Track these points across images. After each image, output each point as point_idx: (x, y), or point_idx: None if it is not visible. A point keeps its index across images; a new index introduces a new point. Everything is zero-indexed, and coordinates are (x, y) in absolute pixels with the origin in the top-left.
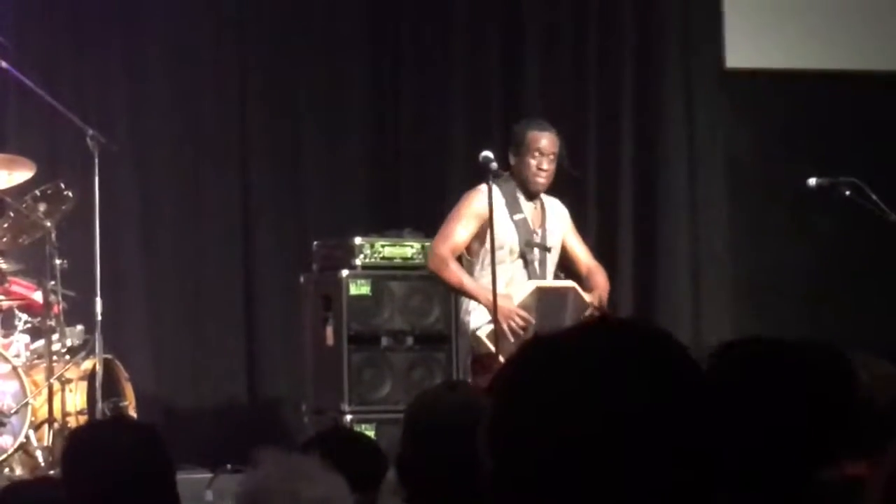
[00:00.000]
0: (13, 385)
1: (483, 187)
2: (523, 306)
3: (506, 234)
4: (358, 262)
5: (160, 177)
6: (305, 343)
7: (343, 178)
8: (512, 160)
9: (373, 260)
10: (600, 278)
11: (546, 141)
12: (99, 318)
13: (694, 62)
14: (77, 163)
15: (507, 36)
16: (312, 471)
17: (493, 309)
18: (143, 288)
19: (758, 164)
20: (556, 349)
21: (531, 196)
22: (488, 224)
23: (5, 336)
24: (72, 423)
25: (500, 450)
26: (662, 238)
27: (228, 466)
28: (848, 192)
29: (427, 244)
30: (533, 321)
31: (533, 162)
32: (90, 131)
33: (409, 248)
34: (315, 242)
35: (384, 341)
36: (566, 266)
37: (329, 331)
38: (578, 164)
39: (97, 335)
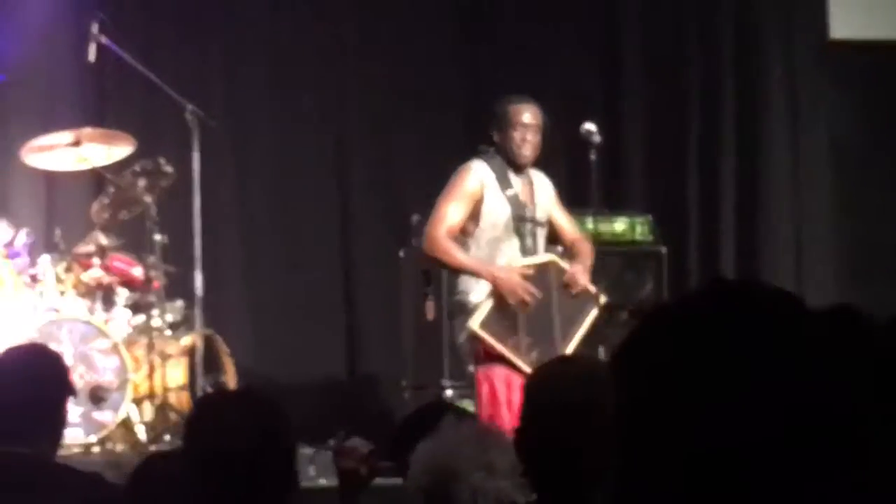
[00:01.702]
0: (114, 361)
1: (471, 165)
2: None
3: (499, 211)
4: None
5: (258, 151)
6: (405, 318)
7: (441, 151)
8: (495, 136)
9: None
10: (584, 247)
11: (528, 113)
12: (199, 293)
13: (797, 33)
14: (176, 138)
15: (608, 5)
16: (501, 440)
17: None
18: (242, 263)
19: (861, 137)
20: (679, 318)
21: (519, 170)
22: (481, 202)
23: (106, 311)
24: (172, 398)
25: (630, 427)
26: (764, 211)
27: (330, 442)
28: None
29: None
30: (538, 294)
31: (516, 135)
32: (189, 106)
33: None
34: (414, 216)
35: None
36: (552, 238)
37: (429, 305)
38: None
39: (197, 310)
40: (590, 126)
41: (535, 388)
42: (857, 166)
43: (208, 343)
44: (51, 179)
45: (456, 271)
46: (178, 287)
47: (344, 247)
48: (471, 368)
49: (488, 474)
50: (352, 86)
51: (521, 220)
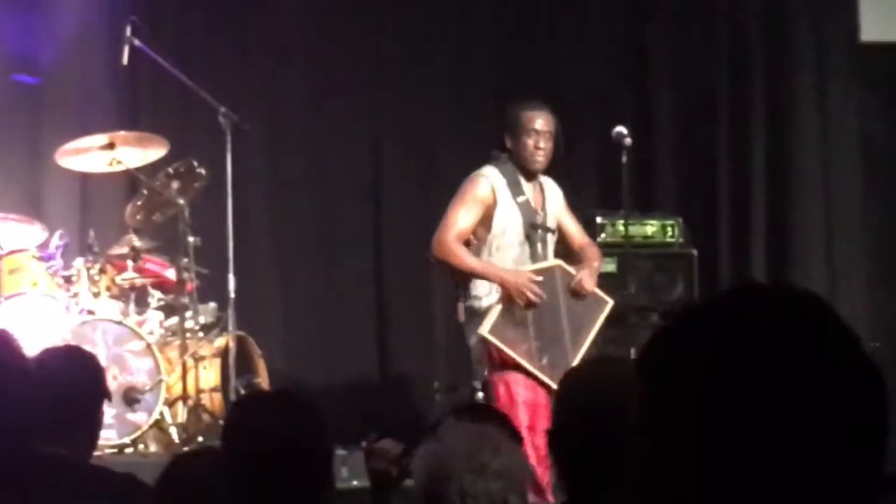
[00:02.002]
0: (147, 362)
1: (483, 171)
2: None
3: (511, 217)
4: None
5: (291, 154)
6: (436, 319)
7: (475, 153)
8: (508, 142)
9: None
10: (592, 252)
11: (542, 120)
12: (232, 295)
13: (827, 36)
14: (209, 140)
15: (638, 7)
16: (496, 440)
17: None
18: (274, 265)
19: (891, 139)
20: (706, 320)
21: (530, 176)
22: (493, 209)
23: (139, 313)
24: (205, 399)
25: (655, 428)
26: (795, 212)
27: (363, 444)
28: None
29: None
30: (543, 295)
31: (530, 141)
32: (222, 109)
33: None
34: None
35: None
36: (561, 244)
37: (460, 307)
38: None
39: (230, 312)
40: (621, 129)
41: (569, 389)
42: (888, 168)
43: (241, 345)
44: (85, 182)
45: (464, 274)
46: (210, 289)
47: (376, 248)
48: (485, 373)
49: (479, 476)
50: (386, 87)
51: (531, 227)
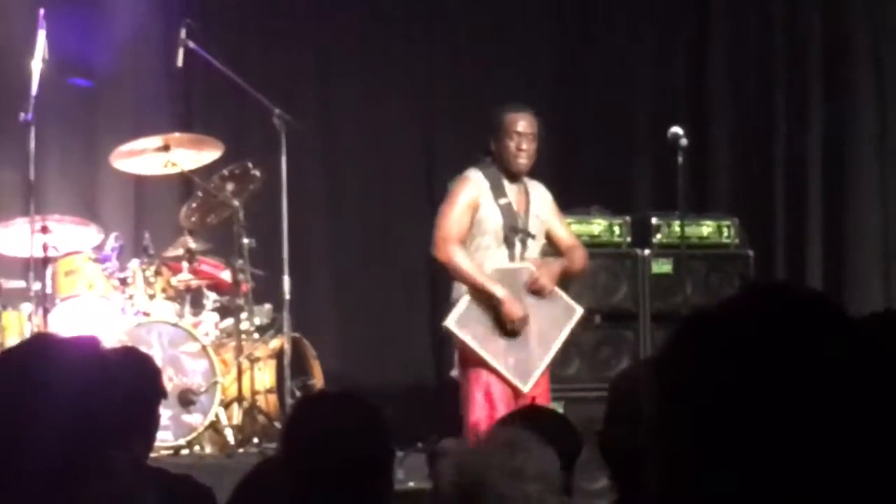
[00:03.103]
0: (202, 364)
1: (467, 174)
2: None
3: (491, 219)
4: None
5: (346, 156)
6: None
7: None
8: (492, 145)
9: None
10: (575, 254)
11: (524, 122)
12: (287, 296)
13: (886, 35)
14: (264, 142)
15: (697, 7)
16: (530, 445)
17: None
18: (329, 267)
19: None
20: (715, 324)
21: (514, 179)
22: (477, 210)
23: (195, 315)
24: (261, 401)
25: (671, 435)
26: (851, 213)
27: (419, 445)
28: None
29: (614, 222)
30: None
31: (512, 144)
32: (277, 110)
33: (595, 226)
34: None
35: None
36: (551, 246)
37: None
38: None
39: (285, 314)
40: (677, 129)
41: (620, 391)
42: None
43: (296, 346)
44: (140, 184)
45: (462, 281)
46: (266, 290)
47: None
48: (453, 373)
49: (516, 480)
50: (441, 88)
51: (511, 230)
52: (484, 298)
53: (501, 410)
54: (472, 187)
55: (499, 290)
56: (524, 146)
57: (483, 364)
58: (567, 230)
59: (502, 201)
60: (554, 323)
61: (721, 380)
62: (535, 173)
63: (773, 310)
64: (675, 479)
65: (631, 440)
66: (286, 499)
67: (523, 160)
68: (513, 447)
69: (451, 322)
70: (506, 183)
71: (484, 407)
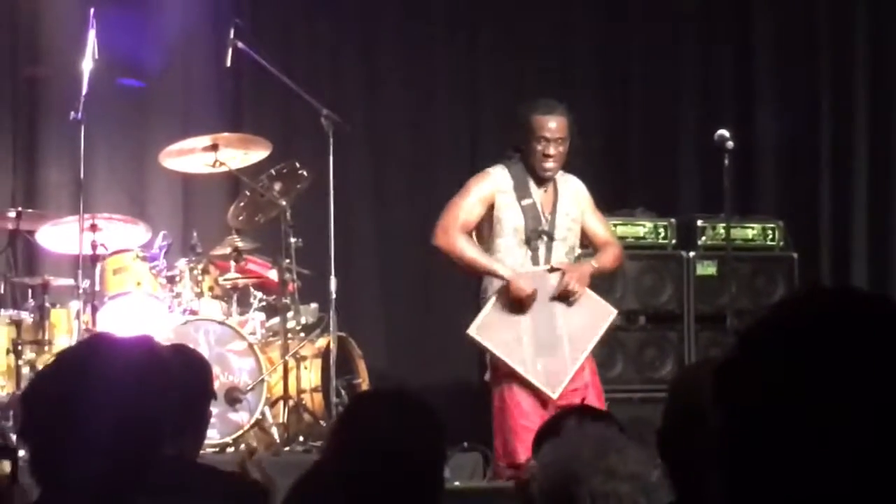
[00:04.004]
0: (249, 362)
1: (490, 170)
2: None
3: (513, 220)
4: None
5: (393, 156)
6: None
7: (576, 152)
8: (522, 144)
9: None
10: (608, 252)
11: (553, 125)
12: (333, 296)
13: None
14: (312, 142)
15: (739, 9)
16: (622, 444)
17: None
18: (375, 266)
19: None
20: (782, 330)
21: (542, 179)
22: (495, 210)
23: (241, 314)
24: (306, 400)
25: (741, 441)
26: None
27: (465, 444)
28: None
29: (660, 224)
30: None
31: (539, 148)
32: (324, 111)
33: (640, 228)
34: None
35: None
36: (585, 241)
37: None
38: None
39: (332, 313)
40: (723, 132)
41: (678, 390)
42: None
43: (342, 345)
44: (188, 183)
45: (465, 269)
46: (312, 290)
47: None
48: (487, 376)
49: (608, 478)
50: (487, 86)
51: (533, 233)
52: (508, 302)
53: (528, 419)
54: (489, 182)
55: (504, 270)
56: (551, 151)
57: (510, 370)
58: (603, 225)
59: (525, 202)
60: (587, 326)
61: (785, 382)
62: (577, 171)
63: (834, 310)
64: (746, 486)
65: (688, 439)
66: (342, 498)
67: (549, 165)
68: (606, 444)
69: (473, 329)
70: (531, 182)
71: (511, 415)
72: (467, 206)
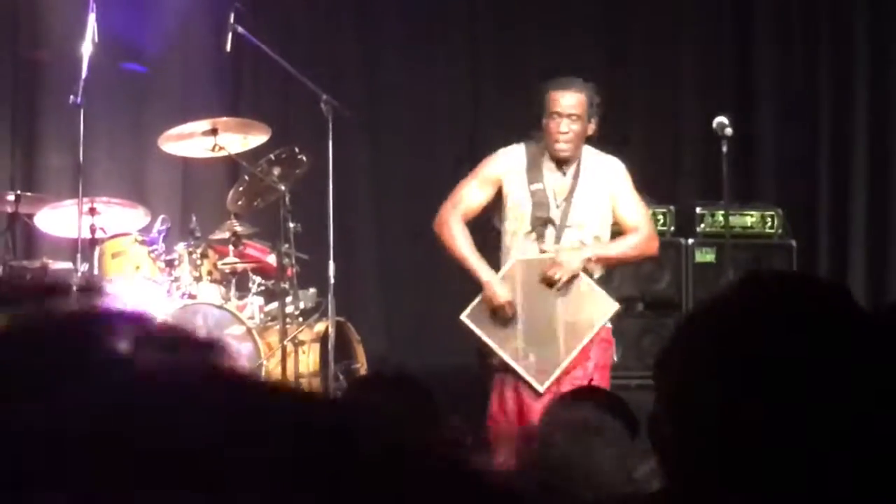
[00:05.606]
0: (247, 346)
1: (505, 149)
2: (507, 278)
3: (519, 205)
4: None
5: (393, 141)
6: None
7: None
8: (539, 122)
9: None
10: (629, 239)
11: (566, 100)
12: (332, 280)
13: None
14: (311, 127)
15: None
16: (603, 422)
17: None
18: (374, 251)
19: None
20: (715, 319)
21: (562, 161)
22: (503, 192)
23: (240, 298)
24: (304, 384)
25: (685, 422)
26: (895, 203)
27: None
28: None
29: (658, 211)
30: (515, 308)
31: (552, 125)
32: (324, 96)
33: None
34: None
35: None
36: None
37: None
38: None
39: (330, 298)
40: (722, 119)
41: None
42: None
43: (340, 330)
44: (187, 167)
45: (451, 256)
46: (311, 274)
47: (477, 238)
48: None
49: (578, 435)
50: (488, 72)
51: (538, 220)
52: (508, 289)
53: (517, 409)
54: (498, 164)
55: (484, 273)
56: (563, 128)
57: (499, 360)
58: (634, 210)
59: (534, 187)
60: (586, 318)
61: (709, 370)
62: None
63: (765, 297)
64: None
65: (677, 424)
66: None
67: (563, 144)
68: (581, 427)
69: (465, 316)
70: (546, 165)
71: (498, 403)
72: (469, 190)
